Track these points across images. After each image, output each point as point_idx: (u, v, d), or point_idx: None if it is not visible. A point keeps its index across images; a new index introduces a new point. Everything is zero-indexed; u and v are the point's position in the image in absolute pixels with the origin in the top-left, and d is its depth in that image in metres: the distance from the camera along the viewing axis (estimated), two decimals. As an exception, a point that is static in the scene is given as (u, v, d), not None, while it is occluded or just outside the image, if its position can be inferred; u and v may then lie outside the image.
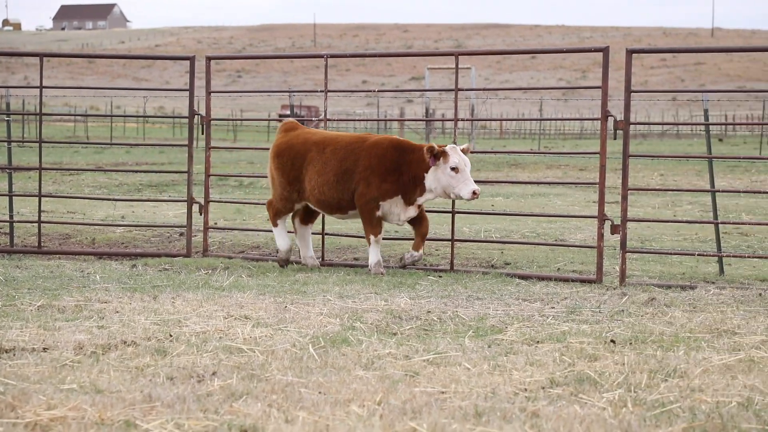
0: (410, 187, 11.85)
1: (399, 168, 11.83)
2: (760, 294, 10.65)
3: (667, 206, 21.56)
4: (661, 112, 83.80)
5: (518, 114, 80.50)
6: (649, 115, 77.05)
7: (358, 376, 7.04)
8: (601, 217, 11.88)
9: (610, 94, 12.07)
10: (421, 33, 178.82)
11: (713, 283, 11.68)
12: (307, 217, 12.74)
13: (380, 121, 18.38)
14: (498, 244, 14.68)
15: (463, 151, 11.75)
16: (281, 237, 12.59)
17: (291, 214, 12.62)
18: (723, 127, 69.70)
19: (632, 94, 11.92)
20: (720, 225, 13.21)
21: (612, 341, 8.22)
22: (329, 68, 13.70)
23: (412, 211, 12.02)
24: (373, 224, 11.97)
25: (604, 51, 11.92)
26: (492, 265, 12.94)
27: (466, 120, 13.79)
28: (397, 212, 12.00)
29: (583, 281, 11.81)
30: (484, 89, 12.41)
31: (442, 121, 14.84)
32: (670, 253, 13.63)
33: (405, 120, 14.56)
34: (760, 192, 13.06)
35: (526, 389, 6.76)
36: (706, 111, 13.70)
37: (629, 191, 12.03)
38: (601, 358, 7.64)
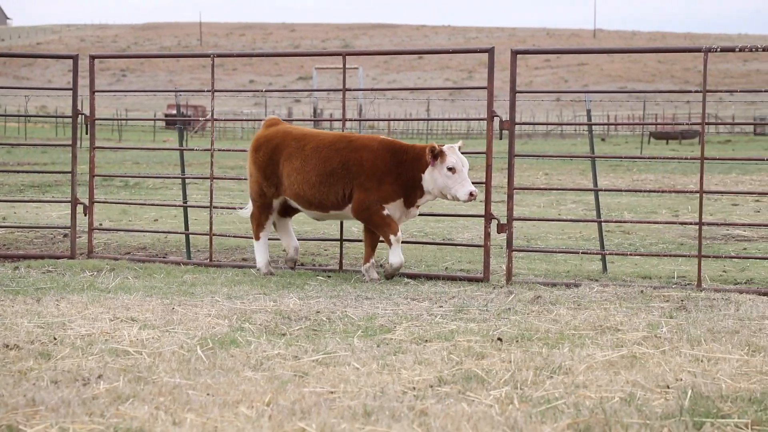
0: (410, 188, 11.50)
1: (394, 169, 11.46)
2: (642, 291, 10.84)
3: (552, 205, 21.86)
4: (546, 112, 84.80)
5: (406, 114, 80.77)
6: (534, 115, 77.94)
7: (246, 377, 7.02)
8: (488, 217, 11.98)
9: (495, 95, 12.18)
10: (309, 33, 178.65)
11: (597, 280, 11.86)
12: (287, 211, 12.31)
13: (268, 121, 18.29)
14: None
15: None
16: (261, 252, 12.08)
17: (271, 221, 12.16)
18: (605, 126, 70.81)
19: (517, 94, 12.06)
20: (603, 223, 13.44)
21: (499, 339, 8.30)
22: (216, 67, 13.62)
23: (413, 213, 11.77)
24: (387, 222, 11.45)
25: (490, 52, 12.03)
26: (381, 265, 12.98)
27: (354, 120, 13.83)
28: (398, 216, 11.64)
29: (470, 280, 11.91)
30: (371, 89, 12.44)
31: (330, 120, 14.81)
32: (555, 252, 13.85)
33: (293, 120, 14.54)
34: (641, 191, 13.28)
35: (414, 388, 6.79)
36: (588, 111, 13.93)
37: (515, 190, 12.16)
38: (488, 356, 7.71)
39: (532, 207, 21.23)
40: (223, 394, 6.55)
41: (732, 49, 11.56)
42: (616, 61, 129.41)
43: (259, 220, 12.12)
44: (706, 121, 11.67)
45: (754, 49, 11.57)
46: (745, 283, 11.94)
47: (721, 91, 11.84)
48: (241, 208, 12.99)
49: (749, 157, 30.95)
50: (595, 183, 13.41)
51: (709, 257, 12.25)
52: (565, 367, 7.31)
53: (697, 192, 11.63)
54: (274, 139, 11.97)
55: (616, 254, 13.07)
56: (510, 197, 12.09)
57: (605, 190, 13.62)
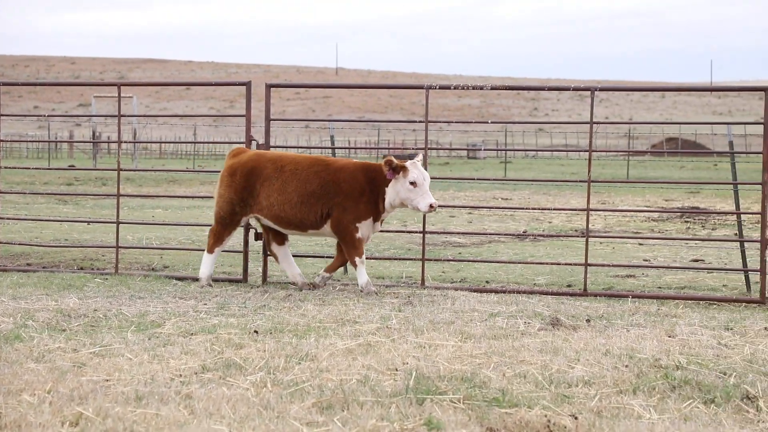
0: (378, 206, 10.92)
1: (367, 188, 10.85)
2: (379, 290, 10.98)
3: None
4: (297, 137, 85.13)
5: (175, 137, 79.60)
6: (287, 140, 78.07)
7: (29, 368, 6.76)
8: (246, 226, 11.93)
9: (253, 122, 12.14)
10: (88, 65, 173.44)
11: (339, 280, 11.96)
12: (280, 237, 11.40)
13: (51, 142, 17.71)
14: (158, 250, 14.46)
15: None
16: (207, 265, 11.19)
17: (230, 238, 11.33)
18: (347, 150, 71.57)
19: (271, 121, 12.06)
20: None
21: (255, 331, 8.27)
22: (3, 95, 13.07)
23: (377, 227, 11.15)
24: (356, 245, 10.81)
25: (247, 85, 12.00)
26: (153, 269, 12.74)
27: (129, 142, 13.51)
28: (367, 233, 11.03)
29: (231, 281, 11.83)
30: (144, 115, 12.20)
31: (108, 143, 14.45)
32: (305, 256, 13.89)
33: (74, 141, 14.11)
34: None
35: (181, 375, 6.69)
36: (332, 137, 14.07)
37: (269, 204, 12.13)
38: (246, 346, 7.67)
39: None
40: (8, 383, 6.29)
41: (448, 87, 11.90)
42: (356, 95, 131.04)
43: (220, 236, 11.19)
44: (429, 146, 11.97)
45: (466, 88, 11.95)
46: (460, 281, 12.28)
47: (440, 122, 12.16)
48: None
49: (463, 176, 31.82)
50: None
51: (431, 260, 12.56)
52: (312, 355, 7.34)
53: (421, 206, 11.90)
54: (249, 163, 11.13)
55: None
56: (265, 210, 12.05)
57: (346, 204, 13.75)
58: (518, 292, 11.11)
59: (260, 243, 11.86)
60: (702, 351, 7.74)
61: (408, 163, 10.67)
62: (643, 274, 13.15)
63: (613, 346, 7.82)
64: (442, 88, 11.86)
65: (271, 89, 12.10)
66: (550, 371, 6.96)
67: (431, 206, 10.70)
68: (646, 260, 14.68)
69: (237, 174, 11.10)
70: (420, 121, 12.07)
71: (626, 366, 7.12)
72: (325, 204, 10.84)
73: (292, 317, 9.03)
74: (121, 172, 12.60)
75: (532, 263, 13.19)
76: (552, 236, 17.25)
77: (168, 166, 49.77)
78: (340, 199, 10.79)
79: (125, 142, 12.80)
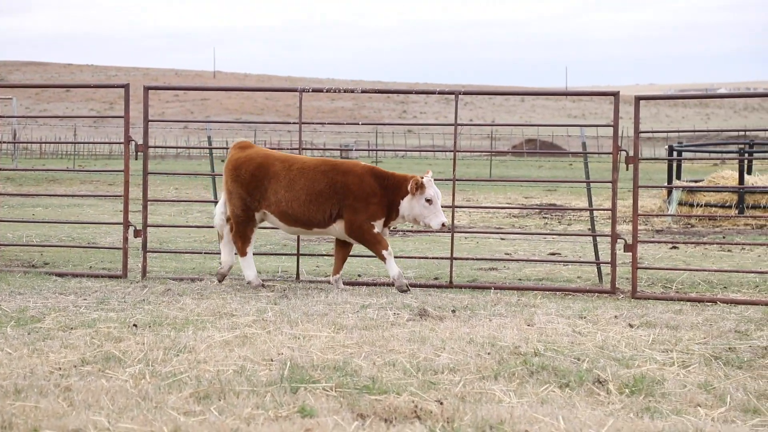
0: (389, 211, 10.54)
1: (378, 192, 10.46)
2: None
3: (181, 214, 21.63)
4: (176, 138, 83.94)
5: (56, 138, 77.59)
6: (166, 140, 76.92)
7: None
8: (126, 224, 11.71)
9: (132, 123, 11.92)
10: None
11: (210, 274, 11.83)
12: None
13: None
14: (38, 247, 14.08)
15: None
16: (249, 267, 10.76)
17: (254, 235, 10.88)
18: (224, 150, 70.86)
19: (150, 122, 11.85)
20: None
21: (134, 325, 8.13)
22: None
23: (386, 233, 10.75)
24: (378, 240, 10.46)
25: (126, 87, 11.76)
26: (33, 265, 12.39)
27: (9, 142, 13.12)
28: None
29: (111, 277, 11.59)
30: (24, 116, 11.88)
31: (-13, 142, 14.02)
32: (183, 252, 13.72)
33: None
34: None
35: (60, 368, 6.53)
36: (209, 137, 13.92)
37: (149, 202, 11.95)
38: (125, 339, 7.53)
39: (165, 216, 20.92)
40: None
41: (321, 90, 11.90)
42: (233, 98, 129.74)
43: (244, 235, 10.74)
44: (303, 146, 11.94)
45: (338, 91, 11.96)
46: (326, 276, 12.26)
47: (314, 123, 12.13)
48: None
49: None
50: (216, 196, 13.41)
51: (306, 255, 12.53)
52: (189, 347, 7.25)
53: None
54: (256, 158, 10.76)
55: (216, 253, 13.14)
56: (144, 207, 11.88)
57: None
58: (389, 284, 11.16)
59: (140, 240, 11.66)
60: (558, 338, 7.90)
61: (425, 180, 10.42)
62: (504, 267, 13.36)
63: (477, 334, 7.93)
64: (315, 91, 11.86)
65: (150, 91, 11.89)
66: (418, 359, 7.02)
67: (443, 224, 10.41)
68: (508, 254, 14.92)
69: (242, 168, 10.76)
70: (294, 123, 12.03)
71: (488, 353, 7.22)
72: (334, 204, 10.50)
73: (170, 311, 8.90)
74: (0, 171, 12.23)
75: (402, 257, 13.26)
76: (420, 232, 17.40)
77: (48, 165, 48.51)
78: (350, 201, 10.44)
79: (4, 142, 12.43)
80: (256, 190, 10.67)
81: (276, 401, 5.85)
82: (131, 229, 11.75)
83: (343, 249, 10.91)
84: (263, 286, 10.75)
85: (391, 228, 10.83)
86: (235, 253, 10.88)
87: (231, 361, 6.84)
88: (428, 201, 10.36)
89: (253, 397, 5.93)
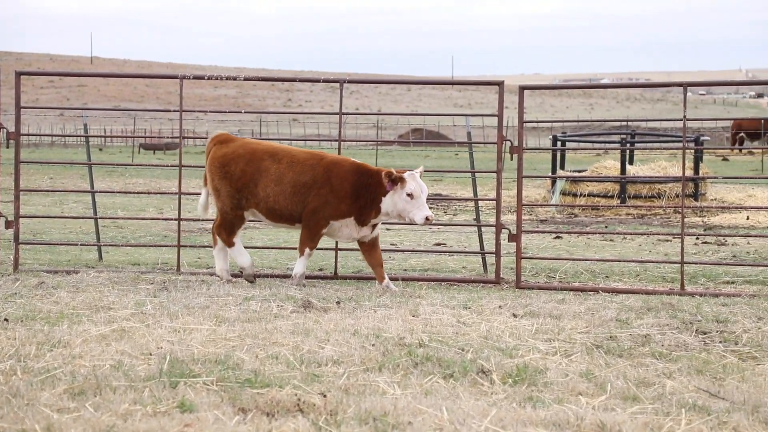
0: (366, 209, 10.21)
1: (357, 191, 10.17)
2: (135, 276, 10.74)
3: (56, 204, 21.16)
4: (51, 126, 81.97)
5: None
6: (41, 128, 75.00)
7: None
8: (-4, 214, 11.40)
9: (4, 110, 11.61)
10: None
11: (93, 267, 11.62)
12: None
13: None
14: None
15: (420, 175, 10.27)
16: (241, 255, 10.54)
17: (243, 227, 10.60)
18: (102, 138, 69.48)
19: (23, 109, 11.54)
20: (99, 220, 13.20)
21: (5, 320, 7.91)
22: None
23: (365, 231, 10.39)
24: (314, 239, 10.33)
25: (-3, 72, 11.44)
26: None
27: None
28: (348, 232, 10.33)
29: (-20, 270, 11.26)
30: None
31: None
32: (58, 244, 13.43)
33: None
34: (132, 192, 13.20)
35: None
36: (85, 125, 13.64)
37: (21, 192, 11.65)
38: (-5, 335, 7.33)
39: (38, 206, 20.43)
40: None
41: (203, 77, 11.76)
42: (111, 84, 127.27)
43: (231, 228, 10.49)
44: (184, 135, 11.80)
45: (220, 78, 11.85)
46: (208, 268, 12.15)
47: (196, 111, 12.04)
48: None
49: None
50: (92, 186, 13.14)
51: (187, 246, 12.39)
52: (64, 341, 7.10)
53: (177, 193, 11.79)
54: (244, 154, 10.44)
55: (111, 245, 12.91)
56: (17, 198, 11.57)
57: (102, 192, 13.48)
58: (272, 276, 11.12)
59: (11, 231, 11.36)
60: (443, 329, 7.99)
61: (406, 175, 10.19)
62: (390, 257, 13.44)
63: (362, 326, 7.96)
64: (196, 78, 11.72)
65: (23, 77, 11.57)
66: (302, 352, 7.01)
67: (427, 219, 10.12)
68: (393, 244, 15.01)
69: (231, 164, 10.47)
70: (175, 111, 11.87)
71: (373, 345, 7.26)
72: (309, 194, 10.31)
73: (44, 305, 8.70)
74: None
75: (286, 248, 13.24)
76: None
77: None
78: (325, 191, 10.25)
79: None
80: (247, 187, 10.45)
81: (154, 396, 5.77)
82: (2, 220, 11.43)
83: (370, 253, 10.62)
84: (254, 277, 10.61)
85: (374, 225, 10.49)
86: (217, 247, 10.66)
87: (108, 355, 6.72)
88: (409, 195, 10.11)
89: (131, 392, 5.83)
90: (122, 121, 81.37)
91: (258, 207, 10.45)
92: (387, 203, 10.20)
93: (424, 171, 10.46)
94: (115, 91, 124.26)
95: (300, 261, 10.43)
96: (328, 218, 10.27)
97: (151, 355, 6.77)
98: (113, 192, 13.16)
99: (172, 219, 12.45)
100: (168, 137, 11.92)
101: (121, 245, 12.95)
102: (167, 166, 12.36)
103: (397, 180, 10.13)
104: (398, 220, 10.38)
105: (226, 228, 10.52)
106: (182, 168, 11.79)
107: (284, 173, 10.34)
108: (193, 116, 75.37)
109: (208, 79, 11.77)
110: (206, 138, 12.45)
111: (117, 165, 16.21)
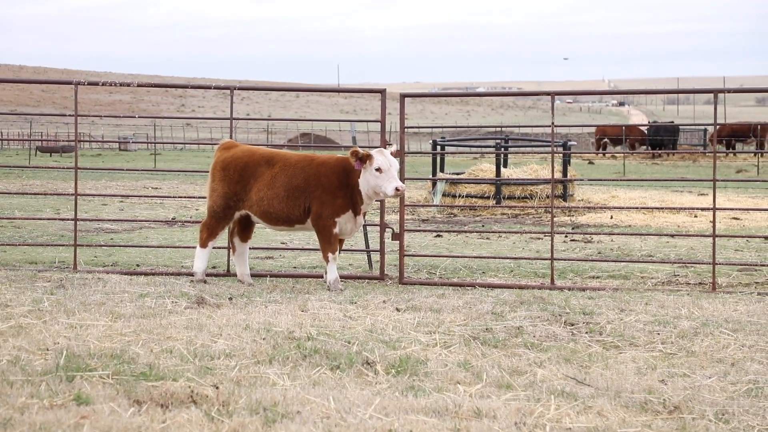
0: (354, 197, 9.99)
1: (347, 184, 9.96)
2: (32, 274, 10.44)
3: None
4: (-53, 128, 79.33)
5: None
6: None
7: None
8: None
9: None
10: None
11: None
12: (245, 233, 10.46)
13: None
14: None
15: (392, 153, 10.00)
16: (202, 259, 10.35)
17: (224, 231, 10.36)
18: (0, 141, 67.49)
19: None
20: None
21: None
22: None
23: (360, 221, 10.13)
24: (331, 242, 10.05)
25: None
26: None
27: None
28: (351, 227, 10.09)
29: None
30: None
31: None
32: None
33: None
34: (29, 194, 12.85)
35: None
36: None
37: None
38: None
39: (-66, 207, 19.71)
40: None
41: (97, 83, 11.54)
42: (8, 89, 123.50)
43: (213, 230, 10.32)
44: (80, 138, 11.54)
45: (114, 84, 11.66)
46: (111, 265, 11.94)
47: (91, 116, 11.80)
48: None
49: (115, 167, 30.97)
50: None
51: (84, 246, 12.12)
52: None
53: (73, 194, 11.54)
54: (243, 158, 10.25)
55: (8, 244, 12.57)
56: None
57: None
58: (167, 274, 10.98)
59: None
60: (330, 323, 7.99)
61: (373, 151, 10.00)
62: (280, 255, 13.40)
63: (253, 321, 7.91)
64: (91, 84, 11.52)
65: None
66: (195, 346, 6.93)
67: (397, 189, 9.85)
68: (283, 243, 14.96)
69: (230, 168, 10.31)
70: (71, 115, 11.62)
71: (264, 339, 7.22)
72: (307, 198, 10.12)
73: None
74: None
75: (180, 247, 13.07)
76: (198, 222, 17.15)
77: None
78: (319, 192, 10.08)
79: None
80: (243, 190, 10.31)
81: (51, 390, 5.63)
82: None
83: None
84: (205, 281, 10.37)
85: (364, 213, 10.33)
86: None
87: (5, 351, 6.53)
88: (378, 170, 9.89)
89: (28, 386, 5.69)
90: (19, 125, 79.11)
91: (252, 209, 10.34)
92: (362, 183, 10.06)
93: None
94: (12, 96, 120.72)
95: (329, 268, 10.20)
96: (332, 217, 10.10)
97: (48, 350, 6.61)
98: (10, 193, 12.74)
99: (68, 219, 12.17)
100: (64, 140, 11.62)
101: (18, 244, 12.59)
102: (63, 168, 12.11)
103: (365, 158, 9.97)
104: (376, 199, 10.21)
105: (210, 227, 10.41)
106: (78, 170, 11.53)
107: (277, 176, 10.23)
108: (89, 121, 73.86)
109: (102, 84, 11.57)
110: (101, 142, 12.19)
111: (14, 167, 15.76)
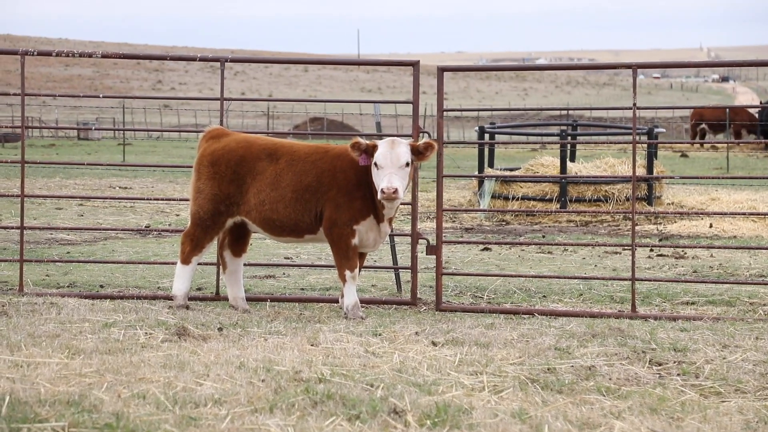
0: (377, 200, 9.88)
1: (368, 182, 9.88)
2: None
3: None
4: None
5: None
6: None
7: None
8: None
9: None
10: None
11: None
12: (239, 246, 10.49)
13: None
14: None
15: (420, 146, 9.89)
16: (184, 279, 10.35)
17: (212, 243, 10.38)
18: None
19: None
20: None
21: None
22: None
23: (385, 228, 10.11)
24: (349, 256, 10.07)
25: None
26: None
27: None
28: (372, 237, 10.09)
29: None
30: None
31: None
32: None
33: None
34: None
35: None
36: None
37: None
38: None
39: None
40: None
41: (50, 54, 11.63)
42: None
43: (199, 242, 10.26)
44: (27, 124, 11.63)
45: (72, 55, 11.72)
46: (68, 286, 12.02)
47: (42, 95, 11.86)
48: None
49: (72, 161, 31.18)
50: None
51: (32, 261, 12.22)
52: None
53: (19, 196, 11.59)
54: (237, 151, 10.20)
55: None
56: None
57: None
58: (139, 297, 11.04)
59: None
60: (347, 360, 8.00)
61: (381, 141, 9.90)
62: (284, 274, 13.43)
63: (249, 357, 7.94)
64: (42, 54, 11.60)
65: None
66: (175, 390, 6.96)
67: (382, 191, 9.67)
68: (288, 258, 15.02)
69: (221, 163, 10.26)
70: (15, 94, 11.70)
71: (263, 380, 7.24)
72: (320, 200, 10.09)
73: None
74: None
75: (156, 263, 13.14)
76: (179, 231, 17.24)
77: None
78: (333, 193, 10.05)
79: None
80: (237, 191, 10.27)
81: (-9, 448, 5.68)
82: None
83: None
84: (187, 307, 10.33)
85: (390, 220, 10.26)
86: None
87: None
88: (375, 165, 9.82)
89: (-39, 443, 5.74)
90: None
91: (249, 216, 10.28)
92: (375, 181, 9.92)
93: None
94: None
95: (347, 290, 10.22)
96: (349, 224, 10.06)
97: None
98: None
99: (12, 227, 12.26)
100: (7, 126, 11.72)
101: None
102: (7, 162, 12.20)
103: (371, 149, 9.90)
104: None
105: (194, 239, 10.37)
106: (25, 164, 11.60)
107: (282, 174, 10.19)
108: (39, 101, 74.38)
109: (57, 55, 11.64)
110: (54, 128, 12.27)
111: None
